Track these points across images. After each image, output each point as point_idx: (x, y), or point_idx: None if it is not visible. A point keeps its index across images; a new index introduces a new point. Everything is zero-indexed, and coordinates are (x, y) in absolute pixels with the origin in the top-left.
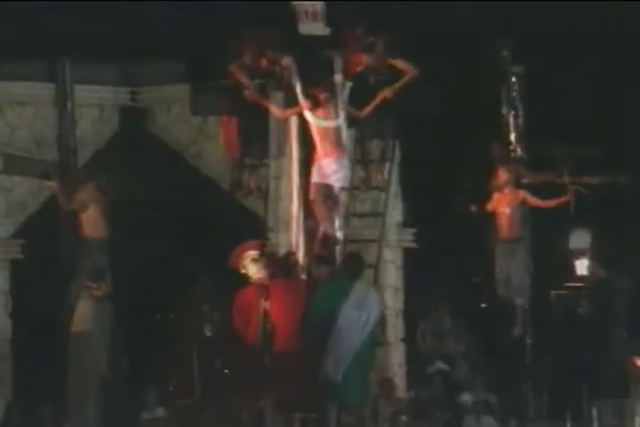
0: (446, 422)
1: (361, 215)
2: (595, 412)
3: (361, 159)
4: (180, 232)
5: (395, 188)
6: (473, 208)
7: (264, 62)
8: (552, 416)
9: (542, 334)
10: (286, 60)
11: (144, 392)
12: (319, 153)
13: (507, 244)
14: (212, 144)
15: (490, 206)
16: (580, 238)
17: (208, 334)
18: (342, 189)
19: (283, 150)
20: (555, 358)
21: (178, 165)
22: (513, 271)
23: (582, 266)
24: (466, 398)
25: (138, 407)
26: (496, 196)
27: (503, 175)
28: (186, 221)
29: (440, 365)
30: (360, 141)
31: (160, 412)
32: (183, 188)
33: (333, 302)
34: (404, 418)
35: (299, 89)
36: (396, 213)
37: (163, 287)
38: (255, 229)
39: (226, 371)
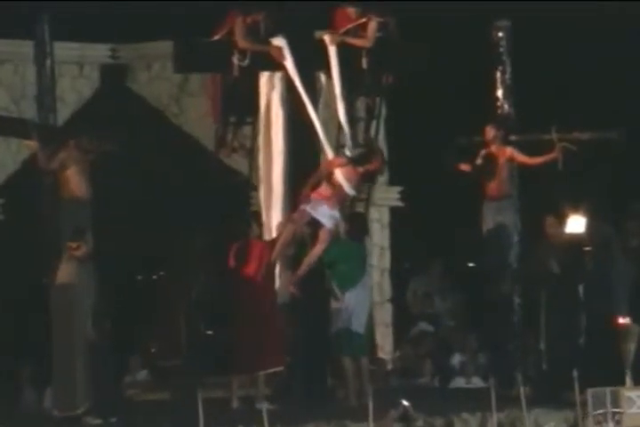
0: (435, 383)
1: None
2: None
3: (346, 117)
4: (164, 192)
5: (381, 145)
6: (462, 166)
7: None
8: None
9: (530, 293)
10: (278, 40)
11: (127, 355)
12: (325, 192)
13: (493, 202)
14: (193, 102)
15: (483, 161)
16: (575, 223)
17: (195, 294)
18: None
19: (268, 108)
20: (545, 319)
21: (159, 123)
22: (499, 229)
23: (577, 223)
24: (455, 359)
25: (121, 371)
26: (482, 153)
27: (490, 132)
28: (168, 181)
29: (424, 326)
30: (345, 98)
31: (143, 375)
32: (165, 146)
33: (351, 263)
34: (388, 379)
35: (291, 69)
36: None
37: (147, 247)
38: (239, 188)
39: (209, 332)
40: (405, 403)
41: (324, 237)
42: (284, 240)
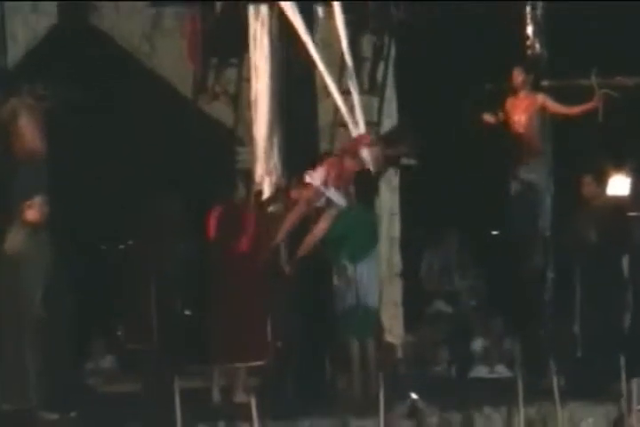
0: (452, 373)
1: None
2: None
3: (351, 58)
4: (133, 147)
5: (390, 92)
6: (485, 117)
7: None
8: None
9: (565, 267)
10: None
11: (89, 338)
12: (344, 169)
13: (522, 159)
14: (168, 41)
15: (502, 115)
16: (618, 185)
17: (170, 267)
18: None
19: (256, 47)
20: (582, 297)
21: (128, 65)
22: (529, 191)
23: (619, 185)
24: (476, 344)
25: (81, 356)
26: (510, 101)
27: (518, 76)
28: (137, 133)
29: (440, 305)
30: (350, 38)
31: (108, 362)
32: (135, 93)
33: (362, 230)
34: (397, 367)
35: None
36: (390, 123)
37: (112, 212)
38: (222, 141)
39: (187, 312)
40: (414, 396)
41: (330, 215)
42: (291, 222)
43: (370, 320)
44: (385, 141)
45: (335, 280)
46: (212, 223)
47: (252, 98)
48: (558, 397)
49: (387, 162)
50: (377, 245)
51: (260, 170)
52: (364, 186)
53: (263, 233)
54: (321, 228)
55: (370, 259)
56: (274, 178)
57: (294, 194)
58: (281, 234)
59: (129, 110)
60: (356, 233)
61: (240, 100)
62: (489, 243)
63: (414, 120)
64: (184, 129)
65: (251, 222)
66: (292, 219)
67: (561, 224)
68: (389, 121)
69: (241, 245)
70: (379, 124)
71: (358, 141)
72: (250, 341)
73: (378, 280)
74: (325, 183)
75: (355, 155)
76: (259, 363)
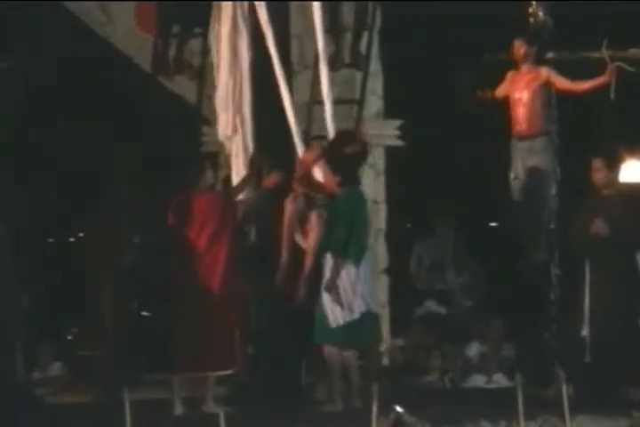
0: (445, 382)
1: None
2: None
3: (330, 27)
4: (86, 127)
5: (374, 65)
6: (479, 94)
7: None
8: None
9: (574, 263)
10: None
11: (34, 342)
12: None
13: (524, 141)
14: (125, 8)
15: (502, 90)
16: (631, 170)
17: (126, 263)
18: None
19: (223, 15)
20: (592, 296)
21: (80, 35)
22: (532, 177)
23: (634, 170)
24: (472, 349)
25: (25, 364)
26: (510, 76)
27: (519, 48)
28: (89, 111)
29: (431, 306)
30: (330, 3)
31: (56, 369)
32: (85, 65)
33: (358, 220)
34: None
35: None
36: (375, 100)
37: (61, 200)
38: (184, 119)
39: (145, 313)
40: (399, 409)
41: (317, 220)
42: (288, 239)
43: (376, 325)
44: (331, 149)
45: (331, 283)
46: (173, 214)
47: (220, 71)
48: (568, 409)
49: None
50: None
51: (227, 152)
52: (344, 168)
53: (230, 225)
54: (315, 236)
55: (368, 254)
56: (243, 161)
57: (268, 181)
58: (285, 254)
59: (79, 84)
60: (354, 225)
61: (205, 74)
62: (487, 235)
63: (402, 96)
64: (143, 107)
65: (216, 213)
66: (287, 240)
67: (568, 215)
68: (374, 98)
69: (202, 239)
70: (362, 101)
71: (305, 161)
72: (216, 347)
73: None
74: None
75: (309, 178)
76: (227, 371)
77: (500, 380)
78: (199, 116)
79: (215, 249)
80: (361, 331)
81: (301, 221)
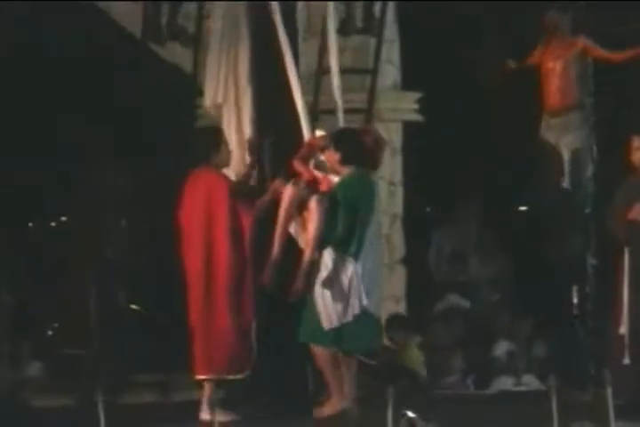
0: (469, 384)
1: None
2: None
3: None
4: (69, 99)
5: (390, 31)
6: (508, 63)
7: None
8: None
9: (612, 252)
10: None
11: (11, 339)
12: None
13: (557, 115)
14: None
15: (533, 59)
16: None
17: (111, 253)
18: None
19: None
20: (631, 290)
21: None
22: (567, 155)
23: None
24: (499, 348)
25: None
26: (542, 45)
27: (554, 16)
28: (74, 81)
29: (453, 300)
30: None
31: (35, 369)
32: (72, 31)
33: (361, 206)
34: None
35: None
36: (391, 70)
37: (43, 182)
38: (180, 91)
39: (134, 307)
40: (410, 414)
41: (317, 207)
42: (283, 233)
43: (375, 328)
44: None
45: (324, 280)
46: (186, 198)
47: (219, 37)
48: (612, 415)
49: None
50: (374, 224)
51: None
52: (344, 146)
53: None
54: (316, 224)
55: (372, 243)
56: (244, 138)
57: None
58: (276, 251)
59: (64, 51)
60: (359, 211)
61: (202, 40)
62: (515, 221)
63: (421, 66)
64: (132, 76)
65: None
66: (282, 229)
67: (605, 198)
68: (390, 68)
69: (219, 230)
70: (375, 71)
71: (311, 145)
72: (231, 349)
73: (380, 274)
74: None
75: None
76: (241, 375)
77: (530, 382)
78: (194, 86)
79: (231, 243)
80: (352, 336)
81: (300, 211)
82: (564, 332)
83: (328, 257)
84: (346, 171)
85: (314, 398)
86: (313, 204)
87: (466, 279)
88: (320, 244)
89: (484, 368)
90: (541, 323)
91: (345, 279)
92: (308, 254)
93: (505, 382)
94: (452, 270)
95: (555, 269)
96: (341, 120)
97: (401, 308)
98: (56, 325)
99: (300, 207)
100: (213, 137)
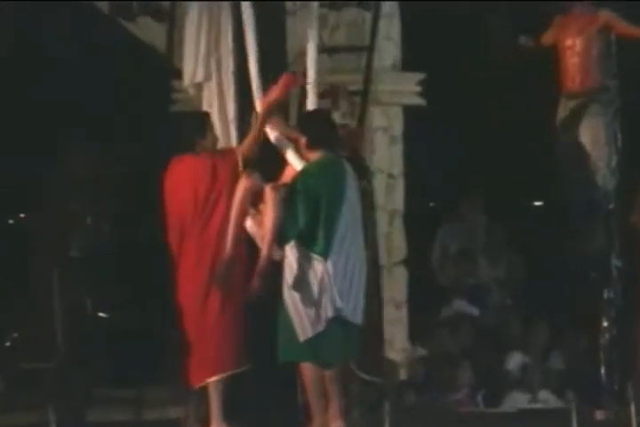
0: (478, 401)
1: (331, 50)
2: None
3: None
4: (35, 81)
5: (389, 4)
6: (521, 40)
7: None
8: None
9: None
10: None
11: None
12: None
13: (577, 99)
14: None
15: (550, 36)
16: None
17: (76, 253)
18: None
19: None
20: None
21: None
22: (587, 143)
23: None
24: (512, 360)
25: None
26: (560, 19)
27: None
28: (42, 62)
29: (461, 306)
30: None
31: None
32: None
33: (327, 200)
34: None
35: None
36: (390, 48)
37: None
38: (153, 71)
39: (101, 315)
40: None
41: (273, 197)
42: (238, 227)
43: (353, 337)
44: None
45: (291, 281)
46: (170, 186)
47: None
48: None
49: None
50: (349, 216)
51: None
52: (309, 126)
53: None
54: (272, 217)
55: (348, 238)
56: (218, 112)
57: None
58: (231, 245)
59: (31, 33)
60: (326, 207)
61: (177, 14)
62: (528, 217)
63: (424, 43)
64: (101, 55)
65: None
66: (236, 224)
67: (630, 192)
68: (389, 45)
69: (214, 220)
70: (372, 48)
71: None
72: (225, 343)
73: (364, 277)
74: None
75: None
76: (241, 369)
77: (546, 398)
78: (169, 67)
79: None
80: (328, 344)
81: (255, 205)
82: (583, 342)
83: (292, 256)
84: (314, 157)
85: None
86: (267, 192)
87: (474, 282)
88: (279, 239)
89: (494, 383)
90: (558, 332)
91: (314, 280)
92: (264, 250)
93: (518, 399)
94: (457, 272)
95: (573, 272)
96: (312, 103)
97: (402, 314)
98: (15, 335)
99: (255, 201)
100: (200, 123)
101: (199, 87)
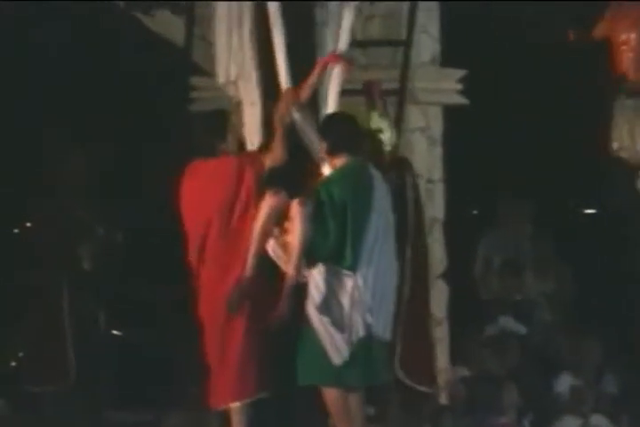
0: (527, 425)
1: (365, 44)
2: None
3: None
4: (39, 78)
5: None
6: (571, 34)
7: None
8: None
9: None
10: None
11: None
12: None
13: (632, 97)
14: None
15: (602, 30)
16: None
17: (87, 266)
18: None
19: None
20: None
21: None
22: None
23: None
24: (561, 382)
25: None
26: (612, 12)
27: None
28: (46, 57)
29: (506, 323)
30: None
31: None
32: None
33: (354, 211)
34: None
35: None
36: (428, 43)
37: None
38: (170, 66)
39: (115, 332)
40: None
41: (300, 213)
42: (261, 245)
43: (381, 357)
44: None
45: (319, 301)
46: (187, 194)
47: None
48: None
49: None
50: (380, 228)
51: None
52: (331, 130)
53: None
54: (300, 234)
55: (381, 255)
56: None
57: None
58: (250, 264)
59: (33, 24)
60: (352, 215)
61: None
62: (579, 226)
63: (466, 36)
64: (114, 50)
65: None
66: (258, 246)
67: None
68: (427, 40)
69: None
70: (409, 43)
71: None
72: (226, 374)
73: (394, 290)
74: None
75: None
76: (264, 394)
77: (599, 423)
78: (188, 62)
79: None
80: (358, 367)
81: (279, 224)
82: (639, 362)
83: (319, 276)
84: (339, 163)
85: None
86: (294, 208)
87: (520, 298)
88: (308, 259)
89: (543, 407)
90: (612, 352)
91: (344, 297)
92: (291, 272)
93: (569, 424)
94: (502, 287)
95: (628, 286)
96: (333, 105)
97: (442, 332)
98: (21, 354)
99: (279, 221)
100: (219, 123)
101: (234, 85)
